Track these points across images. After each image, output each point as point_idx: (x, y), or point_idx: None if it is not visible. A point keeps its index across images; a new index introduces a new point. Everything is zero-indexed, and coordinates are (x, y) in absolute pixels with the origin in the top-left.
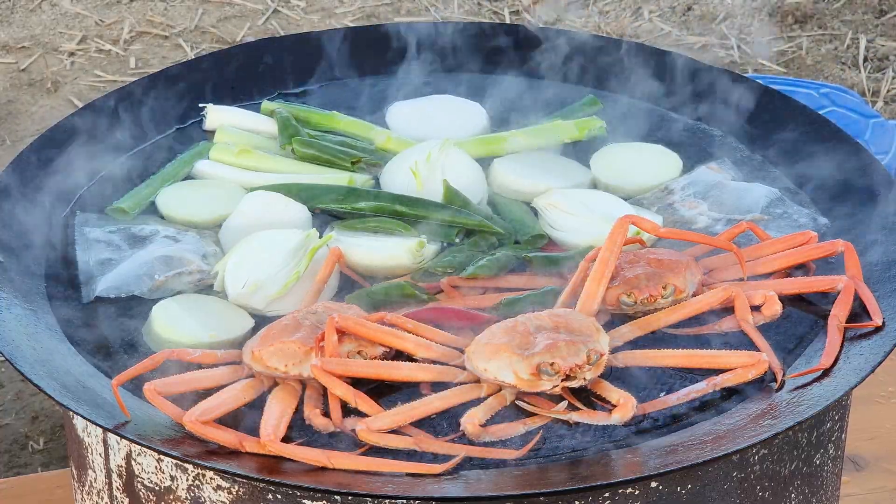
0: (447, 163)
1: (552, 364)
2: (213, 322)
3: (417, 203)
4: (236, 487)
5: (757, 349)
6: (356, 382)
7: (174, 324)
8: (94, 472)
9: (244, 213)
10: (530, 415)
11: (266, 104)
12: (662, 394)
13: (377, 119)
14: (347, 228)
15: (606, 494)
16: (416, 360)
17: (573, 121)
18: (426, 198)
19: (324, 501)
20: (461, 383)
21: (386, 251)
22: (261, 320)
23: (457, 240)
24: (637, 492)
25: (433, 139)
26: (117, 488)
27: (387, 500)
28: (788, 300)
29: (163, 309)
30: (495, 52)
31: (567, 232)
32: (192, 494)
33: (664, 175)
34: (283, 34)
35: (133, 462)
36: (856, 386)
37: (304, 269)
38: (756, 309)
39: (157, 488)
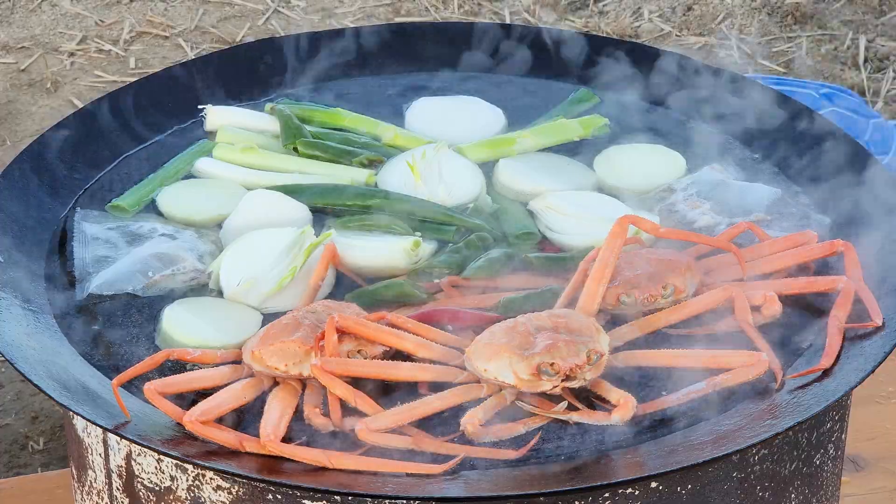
0: (444, 160)
1: (552, 364)
2: (228, 324)
3: (415, 202)
4: (236, 487)
5: (757, 349)
6: (356, 382)
7: (191, 329)
8: (94, 472)
9: (244, 212)
10: (530, 415)
11: (269, 103)
12: (662, 394)
13: (383, 118)
14: (344, 227)
15: (606, 494)
16: (416, 360)
17: (577, 119)
18: (424, 195)
19: (324, 501)
20: (461, 383)
21: (381, 250)
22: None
23: (454, 240)
24: (637, 492)
25: (446, 139)
26: (117, 488)
27: (387, 500)
28: (788, 300)
29: (175, 314)
30: (496, 53)
31: (565, 234)
32: (192, 494)
33: (668, 176)
34: (283, 34)
35: (133, 462)
36: (856, 386)
37: (300, 266)
38: (756, 309)
39: (157, 488)
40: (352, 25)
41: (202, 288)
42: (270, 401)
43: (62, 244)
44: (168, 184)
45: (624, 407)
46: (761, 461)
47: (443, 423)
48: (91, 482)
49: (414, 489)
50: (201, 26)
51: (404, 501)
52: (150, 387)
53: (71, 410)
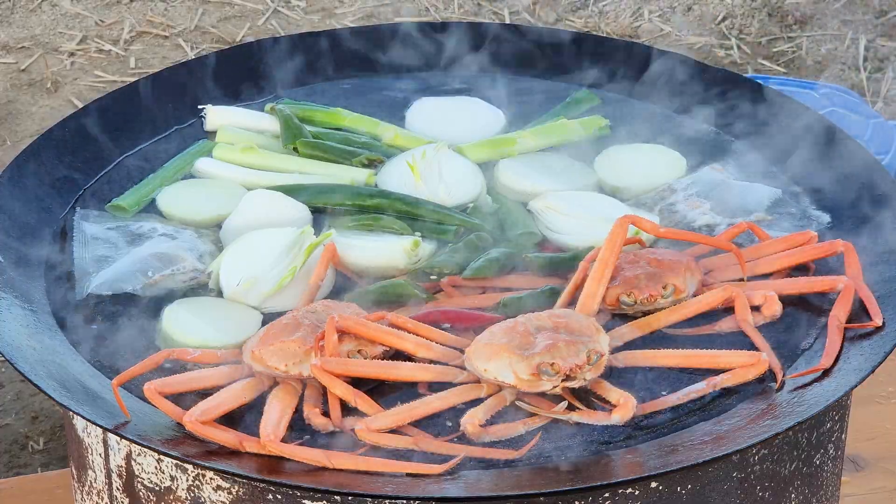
0: (444, 160)
1: (552, 364)
2: (228, 324)
3: (415, 202)
4: (236, 487)
5: (757, 349)
6: (356, 382)
7: (191, 329)
8: (94, 472)
9: (244, 212)
10: (530, 415)
11: (269, 103)
12: (663, 394)
13: (383, 118)
14: (344, 227)
15: (606, 494)
16: (416, 360)
17: (578, 119)
18: (424, 195)
19: (324, 501)
20: (461, 383)
21: (381, 250)
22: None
23: (454, 240)
24: (637, 492)
25: (446, 139)
26: (117, 488)
27: (387, 500)
28: (788, 300)
29: (175, 314)
30: (496, 53)
31: (565, 234)
32: (192, 494)
33: (669, 176)
34: (283, 34)
35: (133, 462)
36: (856, 386)
37: (300, 266)
38: (756, 309)
39: (157, 488)
40: (352, 25)
41: (202, 288)
42: (270, 401)
43: (62, 243)
44: (168, 184)
45: (624, 407)
46: (761, 461)
47: (443, 423)
48: (91, 482)
49: (414, 489)
50: (201, 26)
51: (404, 501)
52: (149, 387)
53: (71, 410)
